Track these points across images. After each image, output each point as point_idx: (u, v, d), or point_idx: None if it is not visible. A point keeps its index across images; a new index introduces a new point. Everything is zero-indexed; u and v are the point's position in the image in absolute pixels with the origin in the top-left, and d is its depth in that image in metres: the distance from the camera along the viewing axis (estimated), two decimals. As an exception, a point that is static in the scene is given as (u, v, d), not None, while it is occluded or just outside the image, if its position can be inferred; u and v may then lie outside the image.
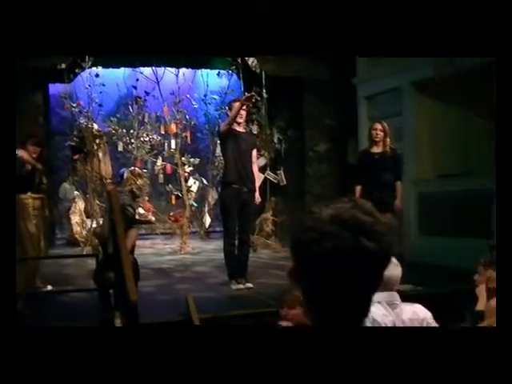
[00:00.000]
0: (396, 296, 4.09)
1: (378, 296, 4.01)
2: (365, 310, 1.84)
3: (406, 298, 4.39)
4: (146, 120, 15.63)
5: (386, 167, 9.46)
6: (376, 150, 9.56)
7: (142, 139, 15.54)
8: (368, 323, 3.86)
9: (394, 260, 4.18)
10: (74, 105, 14.40)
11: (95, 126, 14.61)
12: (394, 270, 4.10)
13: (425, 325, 4.01)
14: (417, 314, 4.06)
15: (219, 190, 12.16)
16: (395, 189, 9.48)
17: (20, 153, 8.69)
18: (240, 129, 9.37)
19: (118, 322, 6.68)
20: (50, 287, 9.17)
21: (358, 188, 9.56)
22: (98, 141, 14.54)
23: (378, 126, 9.52)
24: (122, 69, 15.94)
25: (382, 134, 9.47)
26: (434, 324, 4.07)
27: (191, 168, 15.41)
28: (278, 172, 14.05)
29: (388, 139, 9.53)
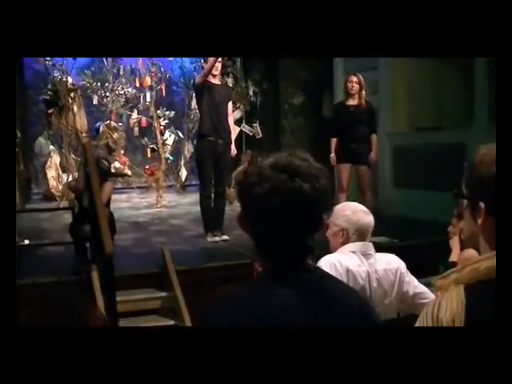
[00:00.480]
0: (370, 246, 4.14)
1: (351, 246, 4.07)
2: (306, 251, 1.95)
3: (381, 249, 4.45)
4: (120, 73, 15.54)
5: (360, 120, 9.48)
6: (351, 102, 9.56)
7: (116, 92, 15.46)
8: (343, 273, 3.92)
9: (363, 208, 4.23)
10: (48, 58, 14.27)
11: (69, 80, 14.51)
12: (365, 217, 4.13)
13: (398, 274, 4.07)
14: (391, 264, 4.12)
15: (195, 143, 12.13)
16: (370, 141, 9.52)
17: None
18: (215, 81, 9.34)
19: (94, 275, 6.72)
20: (26, 241, 9.16)
21: (334, 140, 9.61)
22: (72, 94, 14.45)
23: (354, 79, 9.50)
24: (97, 21, 15.76)
25: (357, 86, 9.47)
26: (407, 274, 4.13)
27: (166, 121, 15.35)
28: (254, 125, 14.02)
29: (363, 92, 9.55)
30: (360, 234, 4.08)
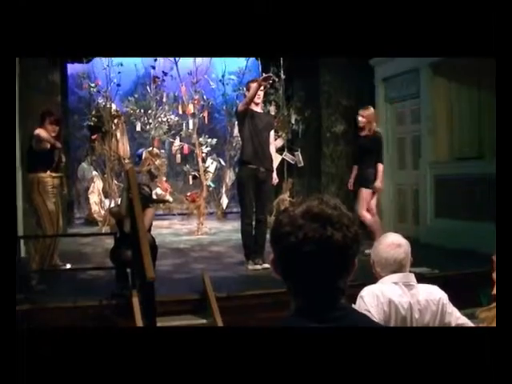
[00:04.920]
0: (412, 277, 4.11)
1: (393, 277, 4.05)
2: (338, 293, 2.01)
3: (422, 280, 4.42)
4: (163, 100, 15.64)
5: (367, 149, 10.22)
6: (362, 133, 10.48)
7: (159, 119, 15.56)
8: (385, 304, 3.90)
9: (396, 240, 4.20)
10: (93, 84, 14.47)
11: (113, 106, 14.65)
12: (393, 251, 4.11)
13: (440, 305, 4.04)
14: (433, 295, 4.08)
15: (236, 170, 12.16)
16: (376, 169, 10.14)
17: (39, 131, 8.73)
18: (258, 109, 9.39)
19: (134, 300, 6.74)
20: (68, 265, 9.25)
21: (355, 167, 10.57)
22: (115, 120, 14.57)
23: (361, 114, 10.36)
24: (141, 49, 15.92)
25: (364, 120, 10.31)
26: (449, 305, 4.09)
27: (208, 148, 15.41)
28: (296, 153, 14.03)
29: (373, 124, 10.37)
30: (394, 266, 4.06)
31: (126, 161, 14.70)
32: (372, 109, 10.53)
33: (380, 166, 10.17)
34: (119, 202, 9.46)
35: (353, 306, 3.18)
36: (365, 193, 10.09)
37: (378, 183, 10.12)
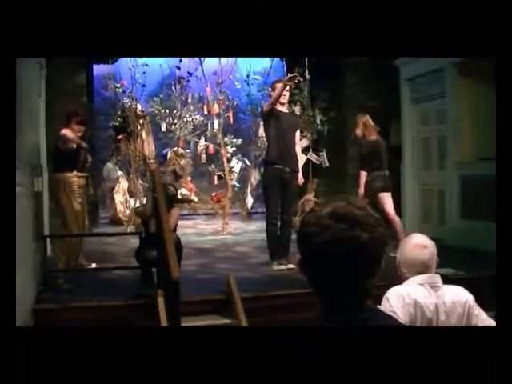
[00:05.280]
0: (438, 278, 4.09)
1: (419, 278, 4.03)
2: (364, 294, 2.02)
3: (448, 281, 4.39)
4: (188, 100, 15.68)
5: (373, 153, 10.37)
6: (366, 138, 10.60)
7: (184, 119, 15.61)
8: (410, 305, 3.89)
9: (421, 241, 4.18)
10: (118, 85, 14.53)
11: (138, 106, 14.70)
12: (419, 251, 4.09)
13: (467, 307, 4.01)
14: (459, 296, 4.05)
15: (261, 170, 12.17)
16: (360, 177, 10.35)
17: (65, 131, 8.78)
18: (283, 109, 9.39)
19: (159, 300, 6.76)
20: (94, 265, 9.29)
21: (363, 174, 10.45)
22: (141, 121, 14.61)
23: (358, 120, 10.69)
24: (166, 49, 15.96)
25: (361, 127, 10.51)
26: (475, 307, 4.06)
27: (234, 148, 15.44)
28: (321, 153, 14.01)
29: (370, 130, 10.50)
30: (411, 267, 4.05)
31: (151, 161, 14.73)
32: (367, 116, 10.64)
33: (361, 174, 10.37)
34: (144, 202, 9.50)
35: (378, 307, 3.18)
36: (386, 195, 10.14)
37: (360, 191, 10.22)
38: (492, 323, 4.07)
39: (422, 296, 3.94)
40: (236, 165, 15.57)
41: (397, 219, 10.13)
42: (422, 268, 4.06)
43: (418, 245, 4.12)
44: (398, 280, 4.17)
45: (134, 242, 8.95)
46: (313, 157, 13.98)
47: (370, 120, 10.47)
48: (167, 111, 15.51)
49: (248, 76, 15.36)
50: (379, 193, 10.05)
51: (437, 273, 4.15)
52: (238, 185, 15.80)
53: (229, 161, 15.08)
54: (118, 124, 14.65)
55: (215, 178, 15.88)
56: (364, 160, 10.40)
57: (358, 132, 10.49)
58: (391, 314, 3.56)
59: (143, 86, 14.53)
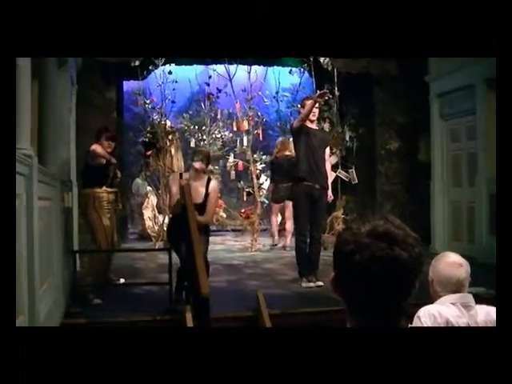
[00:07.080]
0: (470, 297, 4.06)
1: (451, 297, 4.00)
2: (400, 313, 2.00)
3: (479, 300, 4.34)
4: (218, 117, 15.75)
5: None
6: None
7: (213, 136, 15.68)
8: (442, 325, 3.85)
9: (456, 260, 4.15)
10: (147, 101, 14.58)
11: (168, 123, 14.76)
12: (456, 270, 4.06)
13: (499, 327, 3.97)
14: (490, 316, 4.01)
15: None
16: None
17: (94, 147, 8.83)
18: (313, 126, 9.39)
19: (188, 316, 6.74)
20: (122, 280, 9.31)
21: None
22: (170, 137, 14.66)
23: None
24: (195, 66, 16.08)
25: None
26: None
27: (263, 165, 15.46)
28: (350, 170, 13.97)
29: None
30: (452, 286, 4.02)
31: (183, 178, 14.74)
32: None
33: None
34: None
35: (409, 326, 3.14)
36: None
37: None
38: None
39: (454, 315, 3.91)
40: (265, 181, 15.60)
41: None
42: (457, 287, 4.02)
43: (455, 263, 4.09)
44: (430, 298, 4.14)
45: (163, 257, 8.96)
46: (342, 174, 13.93)
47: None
48: (196, 127, 15.61)
49: (277, 92, 15.36)
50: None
51: (468, 292, 4.12)
52: (266, 201, 15.80)
53: (258, 177, 15.09)
54: (147, 140, 14.71)
55: (244, 194, 15.89)
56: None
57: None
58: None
59: (173, 102, 14.59)
